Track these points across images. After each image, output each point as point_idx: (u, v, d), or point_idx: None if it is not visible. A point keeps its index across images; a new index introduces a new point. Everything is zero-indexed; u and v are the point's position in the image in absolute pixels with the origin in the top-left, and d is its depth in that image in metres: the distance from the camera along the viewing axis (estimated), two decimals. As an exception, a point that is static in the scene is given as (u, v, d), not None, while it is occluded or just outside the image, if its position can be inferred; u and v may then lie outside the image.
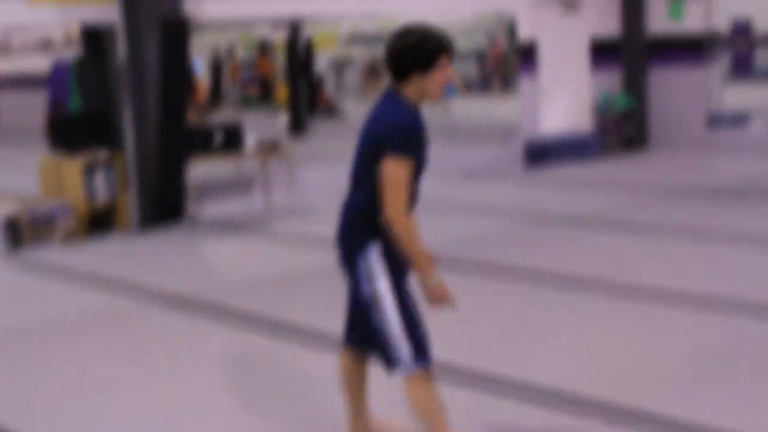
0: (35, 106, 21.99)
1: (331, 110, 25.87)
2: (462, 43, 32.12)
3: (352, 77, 32.69)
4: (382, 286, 4.02)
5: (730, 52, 29.13)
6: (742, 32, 29.69)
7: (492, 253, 8.86)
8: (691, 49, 15.03)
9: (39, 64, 23.33)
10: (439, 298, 3.95)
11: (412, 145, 3.89)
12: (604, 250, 8.83)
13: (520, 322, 6.75)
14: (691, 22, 14.98)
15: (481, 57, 32.90)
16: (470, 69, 32.72)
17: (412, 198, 4.02)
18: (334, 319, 6.88)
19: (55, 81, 16.49)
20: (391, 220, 3.87)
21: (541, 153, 14.39)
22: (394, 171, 3.85)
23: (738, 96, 16.23)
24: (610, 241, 9.20)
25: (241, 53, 33.24)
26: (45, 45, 25.57)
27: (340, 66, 32.17)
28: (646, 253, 8.63)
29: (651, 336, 6.27)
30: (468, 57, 32.32)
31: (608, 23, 15.34)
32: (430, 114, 15.74)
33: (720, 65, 15.36)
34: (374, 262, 4.02)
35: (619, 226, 9.75)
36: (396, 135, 3.87)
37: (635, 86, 15.28)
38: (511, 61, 30.27)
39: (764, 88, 23.92)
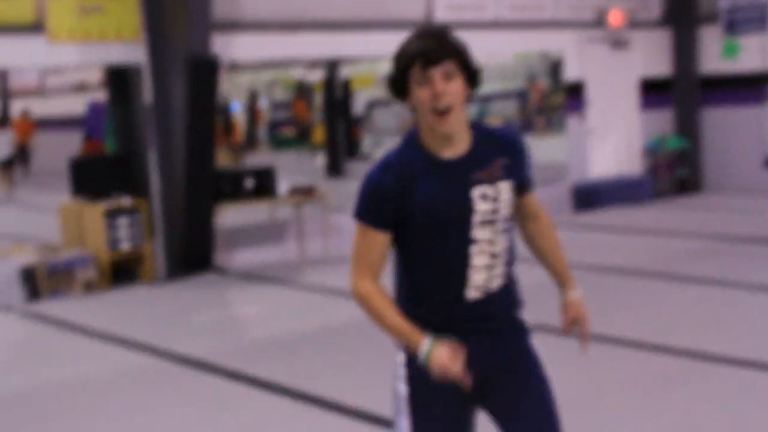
0: (70, 149, 21.60)
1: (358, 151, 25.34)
2: (502, 84, 31.56)
3: (391, 117, 32.15)
4: (402, 395, 3.11)
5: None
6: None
7: (545, 310, 8.15)
8: (746, 87, 14.32)
9: (74, 106, 22.97)
10: (439, 369, 2.86)
11: (382, 204, 2.97)
12: (668, 306, 8.11)
13: (582, 400, 6.03)
14: (746, 59, 14.27)
15: (522, 97, 32.32)
16: (512, 109, 32.14)
17: (444, 269, 3.03)
18: (363, 390, 6.26)
19: (91, 123, 16.05)
20: (353, 296, 3.04)
21: (590, 196, 13.79)
22: (354, 241, 3.05)
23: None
24: (672, 296, 8.48)
25: (279, 93, 32.83)
26: (80, 87, 25.25)
27: (373, 106, 31.61)
28: (711, 311, 7.91)
29: (734, 412, 5.54)
30: (509, 97, 31.71)
31: (659, 62, 14.71)
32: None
33: None
34: (398, 364, 3.11)
35: (678, 279, 9.01)
36: (359, 195, 3.03)
37: (688, 126, 14.61)
38: (553, 101, 29.67)
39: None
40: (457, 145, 3.02)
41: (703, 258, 9.97)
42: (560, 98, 16.24)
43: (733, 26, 14.05)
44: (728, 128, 14.46)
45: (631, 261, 9.85)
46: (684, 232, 11.56)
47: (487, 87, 28.98)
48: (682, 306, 8.07)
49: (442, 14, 12.78)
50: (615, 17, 14.09)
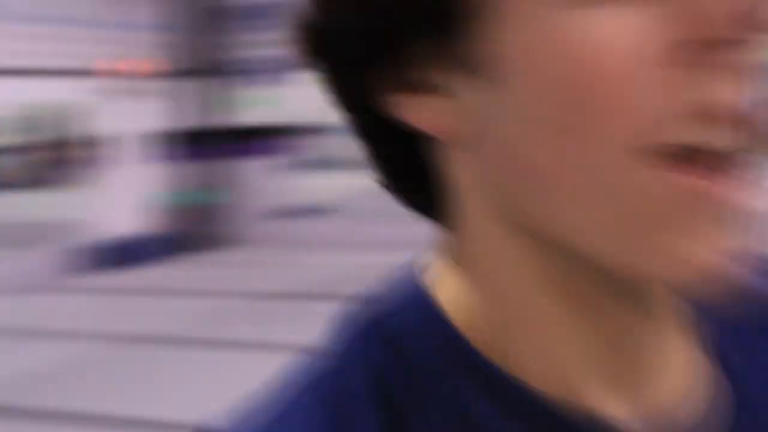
0: None
1: None
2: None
3: None
4: None
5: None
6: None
7: (61, 395, 6.98)
8: (268, 139, 14.18)
9: None
10: None
11: None
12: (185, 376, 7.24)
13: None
14: (277, 113, 14.11)
15: (29, 150, 30.51)
16: (13, 167, 30.30)
17: None
18: None
19: None
20: None
21: (108, 256, 12.73)
22: None
23: (294, 186, 15.48)
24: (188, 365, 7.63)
25: None
26: None
27: None
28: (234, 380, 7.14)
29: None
30: (8, 153, 29.92)
31: (182, 113, 14.10)
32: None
33: (293, 156, 14.69)
34: None
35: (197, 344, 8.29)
36: None
37: (210, 179, 14.12)
38: (77, 154, 28.31)
39: (316, 179, 23.52)
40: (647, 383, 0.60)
41: (228, 319, 9.32)
42: (84, 151, 15.17)
43: (252, 78, 13.86)
44: (251, 181, 14.15)
45: (157, 327, 8.99)
46: (208, 291, 10.83)
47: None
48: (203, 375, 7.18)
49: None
50: (128, 66, 13.25)
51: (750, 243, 0.51)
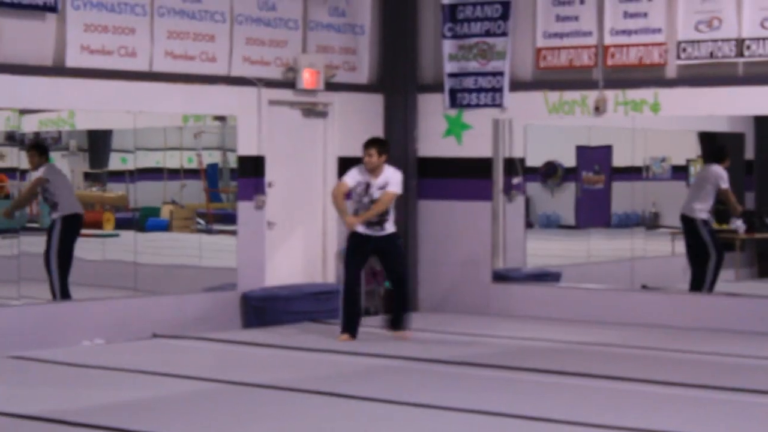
0: None
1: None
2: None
3: None
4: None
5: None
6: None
7: None
8: (475, 177, 11.98)
9: None
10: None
11: None
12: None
13: None
14: (472, 141, 12.00)
15: (212, 176, 29.12)
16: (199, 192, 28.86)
17: None
18: None
19: None
20: None
21: (265, 308, 11.35)
22: None
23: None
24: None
25: None
26: None
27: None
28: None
29: None
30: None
31: (365, 137, 12.08)
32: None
33: (520, 202, 12.19)
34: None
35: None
36: None
37: (399, 222, 11.97)
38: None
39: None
40: None
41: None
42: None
43: (458, 98, 11.88)
44: (450, 227, 12.01)
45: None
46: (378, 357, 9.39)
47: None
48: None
49: (75, 58, 10.12)
50: (309, 77, 11.41)
51: None
